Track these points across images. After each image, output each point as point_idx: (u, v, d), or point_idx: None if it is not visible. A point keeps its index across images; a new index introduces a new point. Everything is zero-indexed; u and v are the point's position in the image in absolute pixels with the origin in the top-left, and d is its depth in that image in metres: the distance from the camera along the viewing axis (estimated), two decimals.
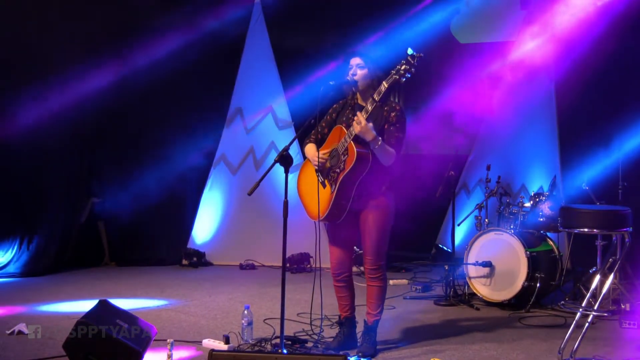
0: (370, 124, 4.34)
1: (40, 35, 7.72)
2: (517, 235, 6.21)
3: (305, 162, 4.80)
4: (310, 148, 4.70)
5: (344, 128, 4.53)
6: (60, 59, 7.73)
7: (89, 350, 4.00)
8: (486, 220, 6.96)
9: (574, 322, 4.36)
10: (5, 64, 7.59)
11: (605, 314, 4.92)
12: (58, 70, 7.72)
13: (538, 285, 6.07)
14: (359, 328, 4.85)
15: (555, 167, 8.37)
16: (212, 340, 4.85)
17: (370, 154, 4.42)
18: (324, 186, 4.55)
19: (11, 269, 7.52)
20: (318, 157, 4.52)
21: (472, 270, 6.42)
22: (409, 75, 4.27)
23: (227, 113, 8.66)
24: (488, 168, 7.09)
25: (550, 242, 6.48)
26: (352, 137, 4.40)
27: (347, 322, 4.81)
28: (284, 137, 8.54)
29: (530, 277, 6.06)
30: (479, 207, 6.95)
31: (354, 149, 4.38)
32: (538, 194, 6.60)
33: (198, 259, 8.33)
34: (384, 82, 4.33)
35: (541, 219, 6.46)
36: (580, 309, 4.36)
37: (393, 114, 4.51)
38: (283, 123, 8.59)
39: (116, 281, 7.40)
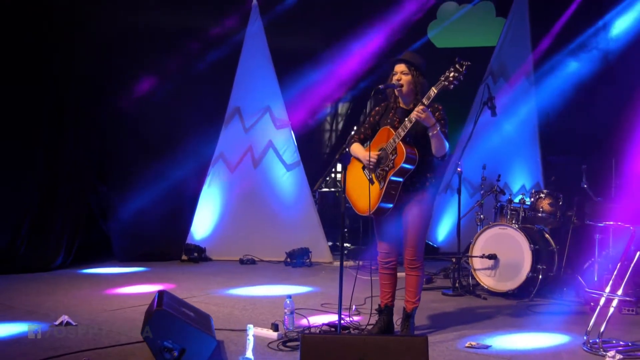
0: (429, 111, 4.68)
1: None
2: (520, 230, 6.66)
3: (351, 160, 5.10)
4: (359, 147, 5.03)
5: (391, 129, 4.87)
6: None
7: (166, 337, 4.20)
8: (481, 216, 7.35)
9: (598, 306, 4.83)
10: None
11: (629, 299, 5.38)
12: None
13: (540, 276, 6.55)
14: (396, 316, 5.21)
15: (537, 167, 8.95)
16: (260, 328, 5.08)
17: (417, 154, 4.78)
18: (372, 183, 4.88)
19: (19, 263, 7.55)
20: (369, 156, 4.85)
21: (477, 263, 6.84)
22: (457, 83, 4.65)
23: (226, 112, 8.87)
24: (484, 167, 7.52)
25: (547, 236, 6.97)
26: (400, 138, 4.75)
27: (387, 310, 5.14)
28: (282, 136, 8.82)
29: (533, 269, 6.53)
30: (479, 204, 7.37)
31: (403, 149, 4.73)
32: (538, 192, 7.10)
33: (199, 254, 8.51)
34: (433, 88, 4.68)
35: (541, 215, 6.95)
36: (605, 294, 4.81)
37: (437, 113, 4.88)
38: (280, 122, 8.84)
39: (127, 275, 7.58)
